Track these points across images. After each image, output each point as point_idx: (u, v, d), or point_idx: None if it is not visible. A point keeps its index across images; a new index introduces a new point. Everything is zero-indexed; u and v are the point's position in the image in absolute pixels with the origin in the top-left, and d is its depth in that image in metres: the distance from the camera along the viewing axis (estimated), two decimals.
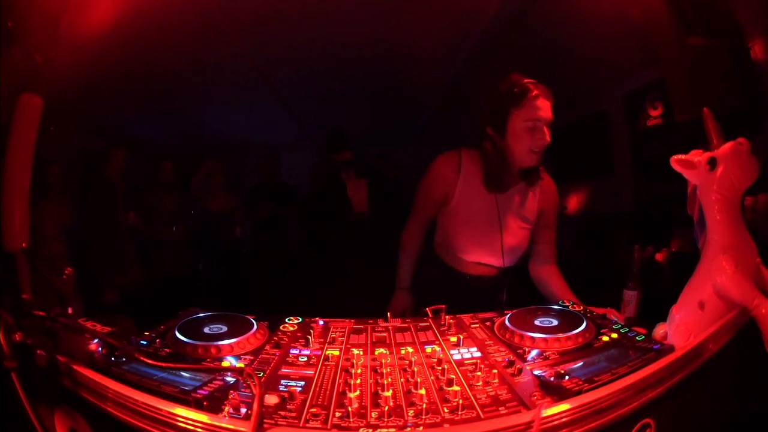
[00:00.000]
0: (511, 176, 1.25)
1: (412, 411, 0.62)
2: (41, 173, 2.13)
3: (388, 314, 1.01)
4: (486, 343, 0.87)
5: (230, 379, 0.67)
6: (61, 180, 2.21)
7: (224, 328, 0.88)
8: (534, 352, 0.81)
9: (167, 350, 0.81)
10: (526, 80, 1.16)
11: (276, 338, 0.89)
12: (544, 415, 0.57)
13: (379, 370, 0.74)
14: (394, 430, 0.58)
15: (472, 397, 0.65)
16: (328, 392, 0.67)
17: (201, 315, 0.94)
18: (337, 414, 0.61)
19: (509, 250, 1.30)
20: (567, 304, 1.05)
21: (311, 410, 0.62)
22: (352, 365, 0.75)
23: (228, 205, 2.98)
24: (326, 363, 0.78)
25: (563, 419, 0.58)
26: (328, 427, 0.58)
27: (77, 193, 2.45)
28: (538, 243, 1.35)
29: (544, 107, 1.15)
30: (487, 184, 1.23)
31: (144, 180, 2.80)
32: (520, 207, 1.29)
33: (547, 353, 0.80)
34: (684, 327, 0.79)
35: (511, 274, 1.36)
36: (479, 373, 0.71)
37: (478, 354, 0.81)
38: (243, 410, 0.60)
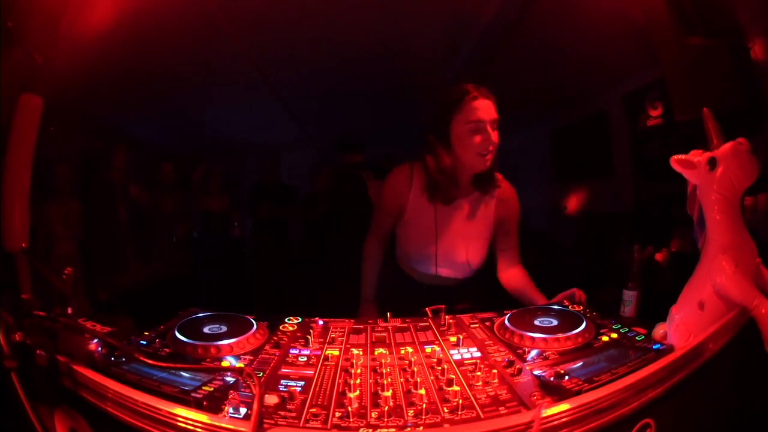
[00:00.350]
0: (462, 185, 1.23)
1: (412, 411, 0.62)
2: (49, 173, 2.14)
3: (388, 314, 1.01)
4: (486, 343, 0.87)
5: (230, 379, 0.67)
6: (70, 180, 2.21)
7: (224, 328, 0.88)
8: (534, 352, 0.81)
9: (167, 350, 0.81)
10: (464, 85, 1.15)
11: (276, 338, 0.89)
12: (544, 415, 0.57)
13: (378, 370, 0.74)
14: (394, 430, 0.58)
15: (471, 397, 0.65)
16: (327, 392, 0.67)
17: (201, 315, 0.94)
18: (337, 414, 0.61)
19: (462, 262, 1.30)
20: (567, 303, 1.05)
21: (311, 410, 0.62)
22: (352, 365, 0.75)
23: (226, 205, 2.98)
24: (326, 363, 0.78)
25: (563, 419, 0.58)
26: (328, 427, 0.58)
27: (79, 193, 2.45)
28: (500, 251, 1.34)
29: (484, 107, 1.13)
30: (430, 196, 1.23)
31: (144, 180, 2.81)
32: (471, 217, 1.28)
33: (547, 353, 0.80)
34: (684, 327, 0.79)
35: (470, 284, 1.37)
36: (479, 373, 0.71)
37: (478, 354, 0.81)
38: (243, 410, 0.60)
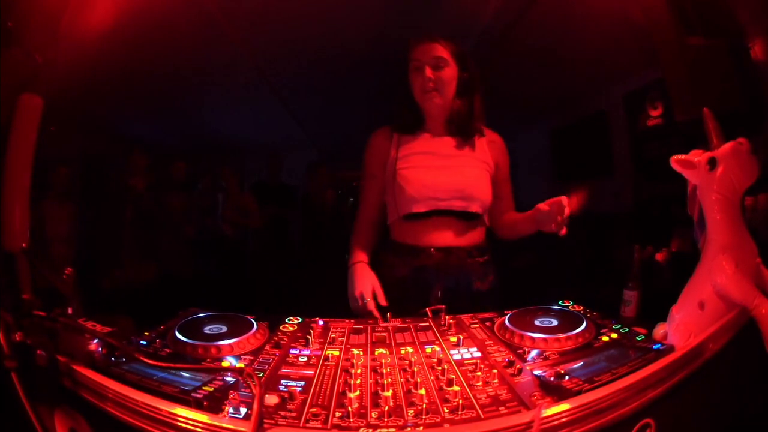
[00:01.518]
0: (438, 124, 1.27)
1: (412, 411, 0.62)
2: (50, 173, 2.14)
3: (388, 314, 1.01)
4: (486, 343, 0.87)
5: (230, 379, 0.67)
6: (72, 181, 2.21)
7: (224, 328, 0.88)
8: (534, 352, 0.81)
9: (167, 350, 0.81)
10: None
11: (276, 338, 0.89)
12: (544, 415, 0.57)
13: (379, 370, 0.74)
14: (394, 430, 0.58)
15: (472, 397, 0.65)
16: (328, 392, 0.67)
17: (201, 315, 0.94)
18: (337, 414, 0.61)
19: (465, 189, 1.22)
20: (567, 303, 1.05)
21: (311, 410, 0.62)
22: (352, 365, 0.75)
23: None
24: (326, 363, 0.78)
25: (563, 419, 0.58)
26: (328, 427, 0.58)
27: (80, 193, 2.45)
28: (499, 199, 1.31)
29: (426, 48, 1.19)
30: (402, 125, 1.28)
31: (147, 180, 2.81)
32: (463, 149, 1.27)
33: (547, 353, 0.80)
34: (684, 327, 0.79)
35: (481, 244, 1.29)
36: (479, 373, 0.71)
37: (478, 354, 0.81)
38: (243, 410, 0.60)
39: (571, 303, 1.05)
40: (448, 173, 1.23)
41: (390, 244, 1.31)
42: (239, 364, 0.76)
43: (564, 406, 0.59)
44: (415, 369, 0.74)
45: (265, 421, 0.58)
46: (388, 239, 1.32)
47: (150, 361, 0.71)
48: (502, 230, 1.34)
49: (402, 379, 0.71)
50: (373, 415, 0.61)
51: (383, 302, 1.14)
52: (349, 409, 0.61)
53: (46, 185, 2.15)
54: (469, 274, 1.25)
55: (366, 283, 1.17)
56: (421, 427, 0.58)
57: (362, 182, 1.34)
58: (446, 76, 1.20)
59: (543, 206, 1.08)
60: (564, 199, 1.04)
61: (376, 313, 1.11)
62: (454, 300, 1.14)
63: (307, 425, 0.59)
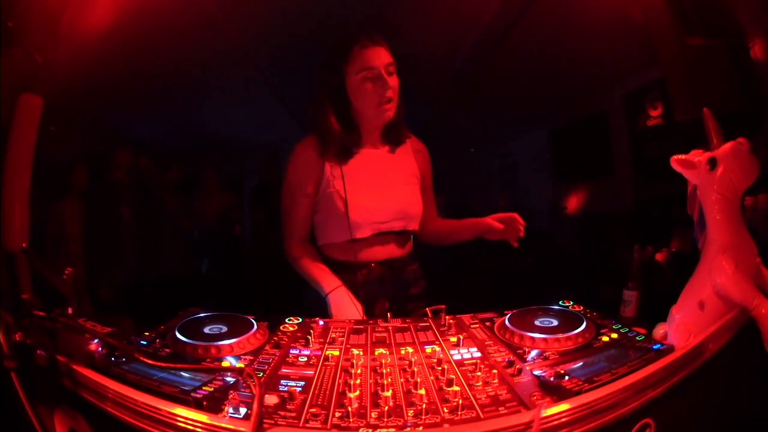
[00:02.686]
0: (372, 138, 1.20)
1: (412, 411, 0.62)
2: (51, 173, 2.14)
3: (388, 315, 1.01)
4: (486, 343, 0.87)
5: (230, 379, 0.67)
6: (84, 179, 2.22)
7: (224, 328, 0.88)
8: (534, 353, 0.81)
9: (167, 350, 0.81)
10: (351, 34, 1.10)
11: (276, 338, 0.89)
12: (543, 415, 0.57)
13: (379, 370, 0.74)
14: (394, 430, 0.58)
15: (471, 397, 0.65)
16: (328, 392, 0.67)
17: (201, 315, 0.94)
18: (337, 414, 0.61)
19: (404, 210, 1.21)
20: (567, 303, 1.05)
21: (311, 410, 0.62)
22: (352, 365, 0.75)
23: (225, 205, 2.99)
24: (326, 363, 0.78)
25: (563, 419, 0.58)
26: (328, 427, 0.58)
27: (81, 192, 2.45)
28: (424, 206, 1.30)
29: (377, 53, 1.08)
30: (338, 155, 1.15)
31: (146, 179, 2.81)
32: (395, 165, 1.23)
33: (547, 353, 0.80)
34: (684, 327, 0.79)
35: (416, 255, 1.31)
36: (479, 374, 0.71)
37: (478, 354, 0.81)
38: (243, 410, 0.60)
39: (571, 303, 1.05)
40: (388, 195, 1.19)
41: (326, 261, 1.23)
42: (239, 364, 0.76)
43: (564, 406, 0.59)
44: (415, 369, 0.74)
45: (265, 421, 0.58)
46: (321, 255, 1.25)
47: (150, 361, 0.71)
48: (431, 238, 1.36)
49: (402, 379, 0.71)
50: (373, 415, 0.61)
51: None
52: (349, 409, 0.61)
53: (66, 185, 2.17)
54: (406, 282, 1.27)
55: (353, 310, 1.10)
56: (421, 427, 0.58)
57: (291, 198, 1.21)
58: (397, 84, 1.12)
59: (496, 224, 1.14)
60: (517, 217, 1.10)
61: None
62: (395, 307, 1.15)
63: (307, 425, 0.59)
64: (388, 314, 1.01)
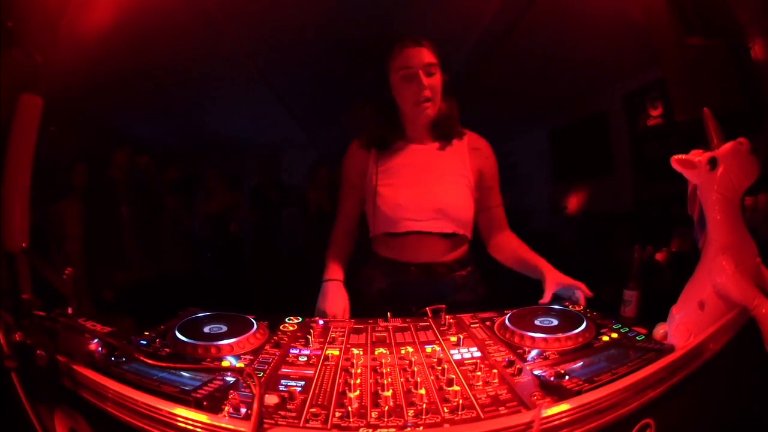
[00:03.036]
0: (418, 134, 1.21)
1: (412, 411, 0.62)
2: (52, 173, 2.14)
3: (388, 314, 1.01)
4: (486, 342, 0.87)
5: (230, 379, 0.67)
6: (84, 179, 2.22)
7: (224, 328, 0.88)
8: (534, 352, 0.81)
9: (167, 350, 0.81)
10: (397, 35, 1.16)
11: (276, 338, 0.89)
12: (544, 415, 0.57)
13: (379, 370, 0.74)
14: (394, 430, 0.58)
15: (472, 397, 0.65)
16: (328, 392, 0.67)
17: (201, 315, 0.94)
18: (337, 414, 0.61)
19: (444, 209, 1.17)
20: (567, 303, 1.05)
21: (311, 410, 0.62)
22: (352, 365, 0.75)
23: (226, 204, 3.00)
24: (326, 363, 0.78)
25: (563, 419, 0.58)
26: (328, 427, 0.58)
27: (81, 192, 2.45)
28: (483, 211, 1.25)
29: (416, 53, 1.11)
30: (377, 142, 1.20)
31: (146, 179, 2.81)
32: (443, 161, 1.21)
33: (547, 353, 0.80)
34: (684, 327, 0.79)
35: (463, 258, 1.25)
36: (479, 373, 0.71)
37: (478, 354, 0.81)
38: (243, 410, 0.60)
39: (571, 304, 1.05)
40: (426, 192, 1.17)
41: (371, 257, 1.27)
42: (239, 364, 0.76)
43: (564, 406, 0.59)
44: (415, 369, 0.74)
45: (265, 421, 0.58)
46: (370, 251, 1.29)
47: (150, 361, 0.71)
48: (496, 252, 1.27)
49: (402, 379, 0.71)
50: (373, 415, 0.61)
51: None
52: (349, 409, 0.61)
53: (66, 184, 2.16)
54: (452, 288, 1.22)
55: (338, 304, 1.11)
56: (421, 427, 0.58)
57: (341, 191, 1.28)
58: (438, 83, 1.14)
59: (548, 295, 1.04)
60: (583, 287, 1.03)
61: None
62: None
63: (307, 425, 0.59)
64: (389, 314, 1.01)
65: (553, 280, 1.07)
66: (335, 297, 1.13)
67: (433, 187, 1.18)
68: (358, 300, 1.17)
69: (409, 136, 1.22)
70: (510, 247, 1.24)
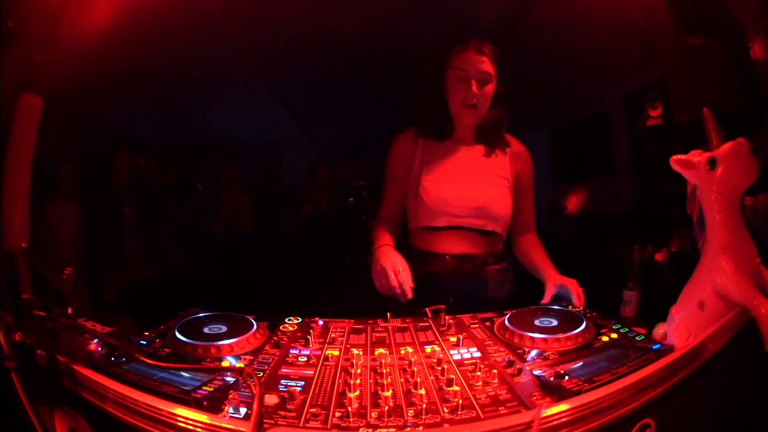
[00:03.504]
0: (465, 134, 1.25)
1: (412, 411, 0.62)
2: (53, 173, 2.14)
3: (388, 314, 1.01)
4: (486, 343, 0.87)
5: (230, 379, 0.67)
6: (74, 179, 2.21)
7: (224, 328, 0.88)
8: (534, 352, 0.81)
9: (167, 350, 0.81)
10: (464, 36, 1.19)
11: (276, 338, 0.89)
12: (543, 415, 0.57)
13: (378, 370, 0.74)
14: (394, 430, 0.58)
15: (471, 397, 0.65)
16: (327, 392, 0.67)
17: (201, 315, 0.94)
18: (337, 414, 0.61)
19: (485, 207, 1.22)
20: (567, 303, 1.05)
21: (311, 410, 0.62)
22: (352, 365, 0.75)
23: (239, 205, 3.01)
24: (326, 363, 0.78)
25: (563, 419, 0.58)
26: (328, 427, 0.58)
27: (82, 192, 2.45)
28: (519, 212, 1.29)
29: (474, 59, 1.15)
30: (430, 131, 1.24)
31: (146, 179, 2.81)
32: (486, 164, 1.25)
33: (547, 353, 0.80)
34: (684, 327, 0.79)
35: (498, 253, 1.28)
36: (479, 373, 0.71)
37: (478, 354, 0.81)
38: (243, 410, 0.60)
39: (569, 304, 1.05)
40: (469, 189, 1.22)
41: (408, 250, 1.26)
42: (239, 364, 0.76)
43: (564, 406, 0.59)
44: (415, 369, 0.74)
45: (265, 421, 0.58)
46: (408, 245, 1.30)
47: (150, 361, 0.71)
48: (516, 250, 1.32)
49: (402, 379, 0.71)
50: (373, 415, 0.61)
51: (412, 283, 1.05)
52: (349, 409, 0.61)
53: (52, 184, 2.16)
54: (485, 281, 1.25)
55: (396, 260, 1.09)
56: (421, 427, 0.58)
57: (385, 183, 1.31)
58: (488, 93, 1.18)
59: (548, 296, 1.10)
60: (574, 292, 1.06)
61: (408, 287, 1.04)
62: (470, 306, 1.10)
63: (307, 425, 0.59)
64: (388, 314, 1.01)
65: (552, 281, 1.12)
66: (390, 255, 1.11)
67: (475, 185, 1.22)
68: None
69: (457, 136, 1.26)
70: (526, 248, 1.29)
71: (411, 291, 1.04)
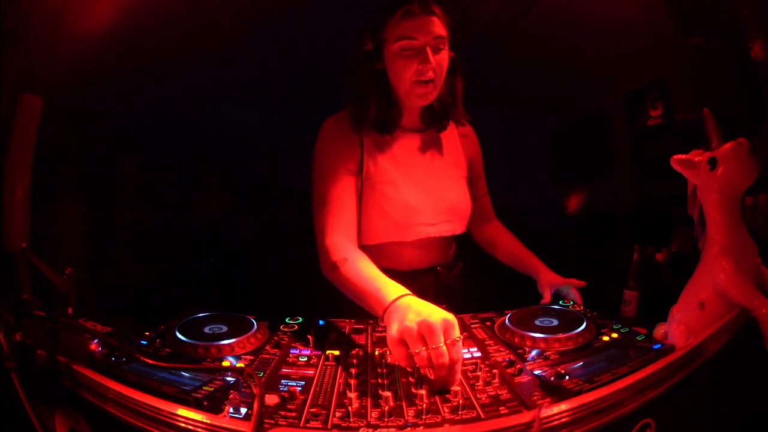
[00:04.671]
0: (413, 118, 1.03)
1: (412, 411, 0.62)
2: (53, 173, 2.14)
3: None
4: (486, 343, 0.87)
5: (230, 379, 0.67)
6: (73, 180, 2.21)
7: (224, 328, 0.88)
8: (534, 352, 0.81)
9: (167, 350, 0.81)
10: None
11: (276, 338, 0.89)
12: (544, 415, 0.57)
13: (379, 370, 0.74)
14: (394, 430, 0.58)
15: (472, 397, 0.65)
16: (328, 392, 0.67)
17: (201, 315, 0.94)
18: (337, 414, 0.61)
19: (455, 208, 1.06)
20: (567, 303, 1.05)
21: (311, 410, 0.62)
22: (352, 365, 0.75)
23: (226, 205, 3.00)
24: (326, 363, 0.78)
25: (563, 419, 0.58)
26: (328, 427, 0.58)
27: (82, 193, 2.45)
28: (475, 198, 1.13)
29: (422, 23, 0.88)
30: (372, 124, 0.96)
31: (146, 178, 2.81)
32: (443, 152, 1.06)
33: (548, 353, 0.80)
34: (684, 327, 0.79)
35: (456, 258, 1.17)
36: (479, 373, 0.71)
37: (479, 354, 0.81)
38: (243, 410, 0.60)
39: (572, 303, 1.05)
40: (435, 190, 1.03)
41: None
42: (239, 364, 0.76)
43: (564, 406, 0.59)
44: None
45: (266, 421, 0.58)
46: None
47: (150, 361, 0.71)
48: (483, 243, 1.23)
49: (402, 379, 0.71)
50: (373, 415, 0.61)
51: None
52: (349, 409, 0.61)
53: (58, 183, 2.16)
54: (450, 288, 1.17)
55: (435, 310, 0.68)
56: (422, 427, 0.58)
57: (325, 182, 0.97)
58: (444, 62, 0.93)
59: (547, 295, 1.04)
60: (576, 291, 1.03)
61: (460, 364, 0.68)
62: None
63: (307, 425, 0.59)
64: None
65: (547, 281, 1.09)
66: (427, 305, 0.70)
67: (439, 183, 1.03)
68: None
69: (403, 124, 1.02)
70: (500, 240, 1.21)
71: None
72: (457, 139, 1.11)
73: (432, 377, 0.65)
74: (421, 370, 0.66)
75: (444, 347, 0.62)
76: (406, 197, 1.00)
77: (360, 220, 1.00)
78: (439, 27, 0.91)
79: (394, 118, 0.99)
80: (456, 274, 1.18)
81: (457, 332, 0.65)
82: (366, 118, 0.97)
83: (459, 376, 0.65)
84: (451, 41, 0.96)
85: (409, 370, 0.70)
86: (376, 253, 0.97)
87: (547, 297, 1.07)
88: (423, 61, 0.90)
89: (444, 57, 0.94)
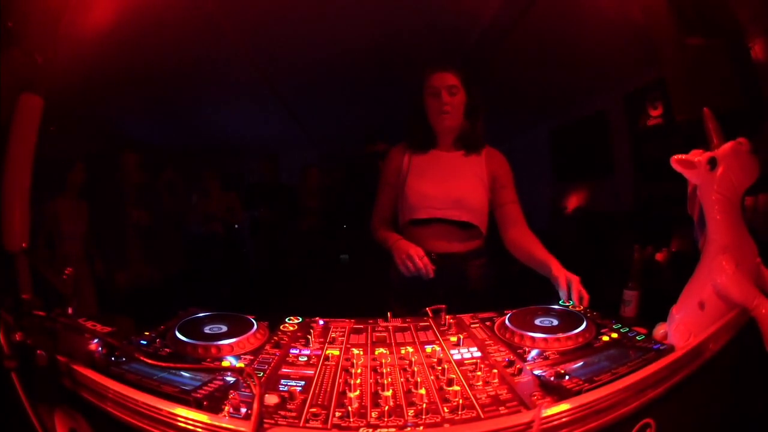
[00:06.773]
0: (445, 141, 1.43)
1: (412, 411, 0.62)
2: (53, 173, 2.14)
3: (388, 314, 1.01)
4: (486, 342, 0.87)
5: (230, 379, 0.67)
6: (73, 179, 2.21)
7: (224, 328, 0.88)
8: (534, 352, 0.81)
9: (167, 350, 0.81)
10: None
11: (276, 338, 0.89)
12: (544, 415, 0.57)
13: (379, 370, 0.74)
14: (394, 430, 0.58)
15: (472, 397, 0.65)
16: (328, 392, 0.67)
17: (201, 315, 0.94)
18: (337, 414, 0.61)
19: (461, 199, 1.36)
20: (567, 303, 1.05)
21: (311, 410, 0.62)
22: (352, 365, 0.75)
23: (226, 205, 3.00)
24: (326, 363, 0.78)
25: (563, 419, 0.58)
26: (328, 426, 0.58)
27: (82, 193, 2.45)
28: (499, 207, 1.40)
29: (440, 76, 1.36)
30: (418, 146, 1.44)
31: (147, 180, 2.81)
32: (464, 164, 1.41)
33: (547, 353, 0.80)
34: (684, 327, 0.79)
35: (479, 250, 1.40)
36: (479, 373, 0.71)
37: (478, 354, 0.81)
38: (243, 410, 0.60)
39: (571, 303, 1.05)
40: (446, 185, 1.38)
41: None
42: (239, 364, 0.76)
43: (564, 406, 0.59)
44: (415, 369, 0.74)
45: (265, 420, 0.58)
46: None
47: (150, 361, 0.71)
48: (510, 247, 1.37)
49: (402, 379, 0.71)
50: (373, 415, 0.61)
51: (432, 265, 1.22)
52: (349, 408, 0.61)
53: (62, 183, 2.17)
54: (467, 277, 1.37)
55: (417, 248, 1.26)
56: (421, 427, 0.58)
57: (378, 188, 1.50)
58: (457, 101, 1.38)
59: (563, 285, 1.10)
60: (575, 289, 1.07)
61: (431, 268, 1.21)
62: (453, 299, 1.12)
63: (307, 425, 0.59)
64: (389, 314, 1.01)
65: (564, 276, 1.12)
66: (410, 245, 1.28)
67: (452, 181, 1.39)
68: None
69: (440, 145, 1.45)
70: (522, 242, 1.33)
71: (432, 271, 1.22)
72: (482, 158, 1.43)
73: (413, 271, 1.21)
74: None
75: (418, 261, 1.21)
76: (422, 187, 1.39)
77: (399, 205, 1.47)
78: (452, 79, 1.37)
79: (430, 139, 1.44)
80: (477, 265, 1.39)
81: (421, 252, 1.24)
82: (410, 143, 1.46)
83: (428, 270, 1.21)
84: (468, 92, 1.40)
85: (403, 270, 1.24)
86: (407, 232, 1.40)
87: (566, 294, 1.09)
88: (438, 99, 1.37)
89: (459, 98, 1.38)
